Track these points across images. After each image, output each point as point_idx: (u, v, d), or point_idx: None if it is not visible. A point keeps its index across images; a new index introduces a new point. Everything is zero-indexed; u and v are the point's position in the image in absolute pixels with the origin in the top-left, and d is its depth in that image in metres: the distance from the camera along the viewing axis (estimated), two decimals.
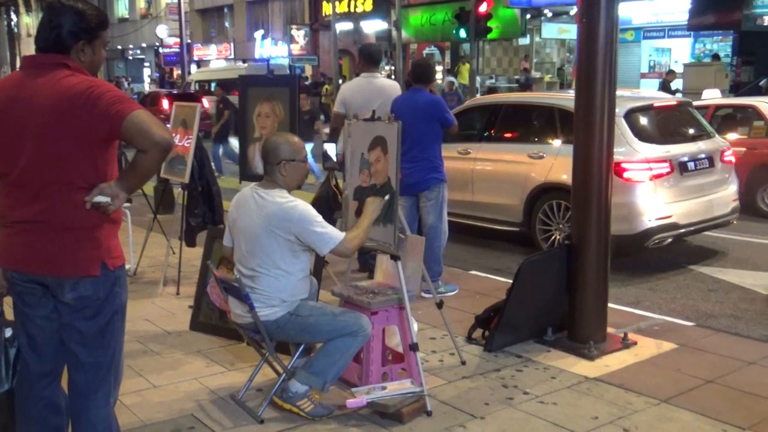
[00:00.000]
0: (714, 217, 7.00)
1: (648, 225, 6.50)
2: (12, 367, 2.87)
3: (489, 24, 18.62)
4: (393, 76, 21.26)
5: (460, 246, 7.57)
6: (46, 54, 2.63)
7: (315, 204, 4.98)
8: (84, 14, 2.64)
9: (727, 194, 7.17)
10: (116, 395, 2.86)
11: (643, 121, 6.98)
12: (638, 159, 6.51)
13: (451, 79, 19.90)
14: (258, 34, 35.04)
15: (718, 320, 5.49)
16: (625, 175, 6.42)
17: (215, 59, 38.42)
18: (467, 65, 22.60)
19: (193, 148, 5.84)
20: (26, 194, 2.58)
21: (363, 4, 28.29)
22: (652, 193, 6.52)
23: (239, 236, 3.70)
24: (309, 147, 10.86)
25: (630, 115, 6.74)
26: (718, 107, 10.15)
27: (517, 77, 24.75)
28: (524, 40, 26.55)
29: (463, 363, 4.41)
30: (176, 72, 37.42)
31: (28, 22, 49.92)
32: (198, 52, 39.35)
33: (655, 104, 7.37)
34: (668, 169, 6.61)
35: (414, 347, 3.82)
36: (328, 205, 6.04)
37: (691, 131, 7.39)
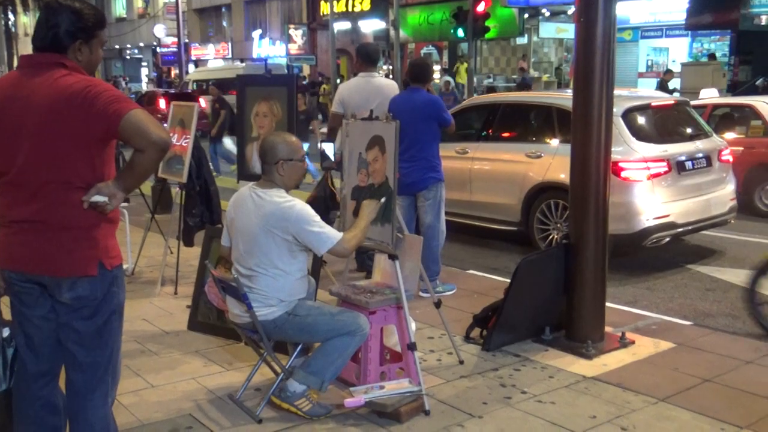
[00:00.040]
0: (712, 217, 7.01)
1: (646, 224, 6.50)
2: (9, 367, 2.86)
3: (487, 23, 18.64)
4: (391, 76, 21.25)
5: (458, 245, 7.57)
6: (43, 53, 2.63)
7: (312, 203, 4.98)
8: (81, 14, 2.63)
9: (724, 193, 7.19)
10: (114, 395, 2.86)
11: (641, 120, 6.99)
12: (636, 158, 6.51)
13: (448, 78, 19.92)
14: (256, 33, 35.01)
15: (715, 319, 5.50)
16: (623, 174, 6.43)
17: (213, 59, 38.39)
18: (465, 64, 22.62)
19: (191, 147, 5.84)
20: (24, 194, 2.58)
21: (361, 3, 28.28)
22: (650, 193, 6.53)
23: (237, 236, 3.70)
24: (305, 147, 10.84)
25: (628, 115, 6.74)
26: (716, 107, 10.16)
27: (515, 77, 24.77)
28: (522, 40, 26.56)
29: (461, 362, 4.41)
30: (174, 71, 37.39)
31: (26, 21, 49.83)
32: (196, 52, 39.31)
33: (653, 104, 7.37)
34: (666, 169, 6.61)
35: (412, 347, 3.82)
36: (326, 204, 6.03)
37: (689, 131, 7.39)
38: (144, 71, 45.88)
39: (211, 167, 7.25)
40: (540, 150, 7.19)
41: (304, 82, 26.56)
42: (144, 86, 38.89)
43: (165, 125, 6.06)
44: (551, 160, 6.99)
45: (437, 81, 21.46)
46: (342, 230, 3.77)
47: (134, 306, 5.41)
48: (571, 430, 3.57)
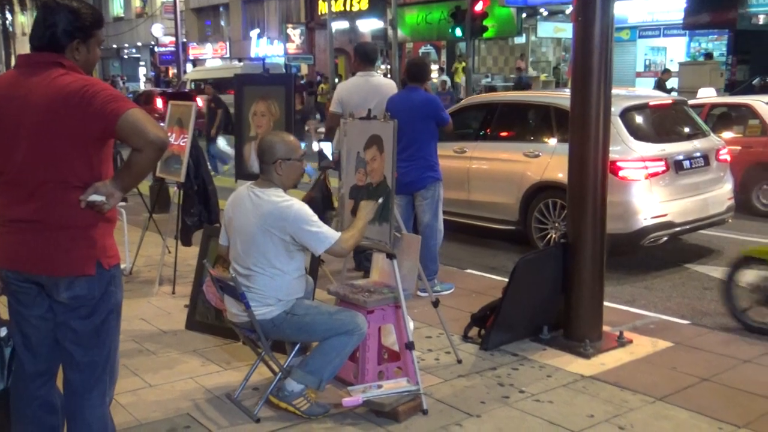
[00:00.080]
0: (709, 216, 7.01)
1: (643, 223, 6.51)
2: (7, 366, 2.86)
3: (485, 23, 18.65)
4: (389, 75, 21.26)
5: (456, 245, 7.57)
6: (40, 53, 2.63)
7: (308, 203, 4.98)
8: (79, 13, 2.63)
9: (722, 193, 7.19)
10: (112, 394, 2.86)
11: (639, 119, 6.99)
12: (634, 157, 6.52)
13: (444, 78, 19.93)
14: (254, 33, 35.00)
15: (713, 318, 5.50)
16: (621, 173, 6.43)
17: (211, 58, 38.38)
18: (463, 64, 22.63)
19: (189, 147, 5.83)
20: (21, 193, 2.58)
21: (359, 2, 28.30)
22: (648, 192, 6.53)
23: (235, 235, 3.70)
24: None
25: (625, 114, 6.74)
26: (714, 106, 10.16)
27: (512, 76, 24.78)
28: (520, 39, 26.59)
29: (459, 361, 4.42)
30: (172, 71, 37.34)
31: (23, 20, 49.72)
32: (193, 51, 39.29)
33: (651, 103, 7.38)
34: (664, 168, 6.62)
35: (410, 346, 3.82)
36: (323, 203, 6.03)
37: (687, 130, 7.40)
38: (142, 71, 45.84)
39: (209, 167, 7.23)
40: (538, 149, 7.19)
41: (302, 82, 26.53)
42: (142, 86, 38.84)
43: (162, 124, 6.06)
44: (549, 160, 7.00)
45: (435, 80, 21.46)
46: (340, 230, 3.77)
47: (132, 305, 5.40)
48: (569, 429, 3.58)
